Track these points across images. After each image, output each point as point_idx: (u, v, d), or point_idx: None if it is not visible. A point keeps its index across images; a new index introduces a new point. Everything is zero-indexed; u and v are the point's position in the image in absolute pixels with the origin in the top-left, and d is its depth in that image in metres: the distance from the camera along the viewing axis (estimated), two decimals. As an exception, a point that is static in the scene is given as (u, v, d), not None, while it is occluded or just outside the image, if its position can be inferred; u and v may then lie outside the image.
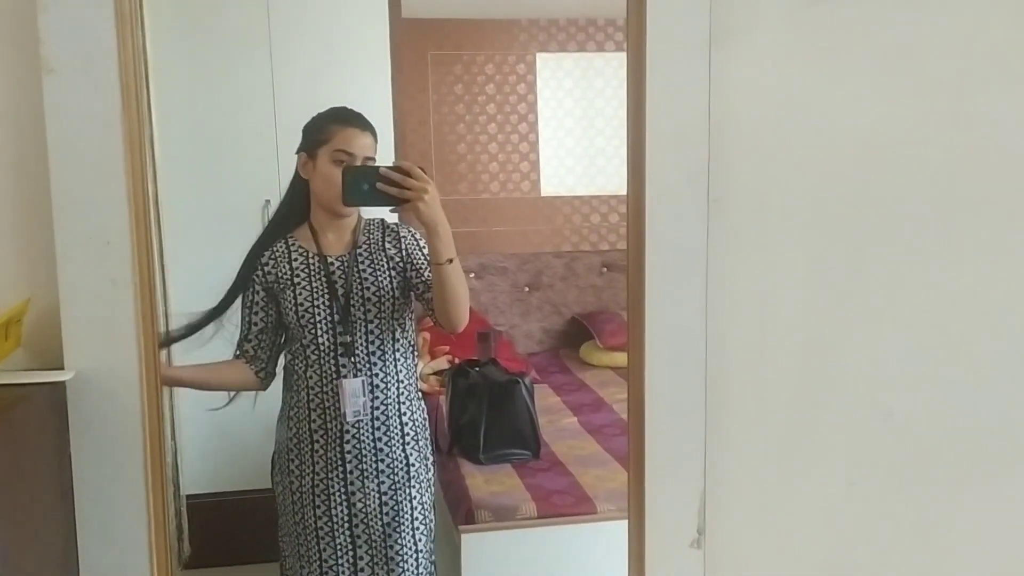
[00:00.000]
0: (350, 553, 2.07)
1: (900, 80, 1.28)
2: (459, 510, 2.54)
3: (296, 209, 2.12)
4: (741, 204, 1.30)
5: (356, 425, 2.04)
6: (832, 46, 1.28)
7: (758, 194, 1.30)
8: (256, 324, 2.10)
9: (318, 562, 2.09)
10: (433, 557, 2.17)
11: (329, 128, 2.01)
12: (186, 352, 2.17)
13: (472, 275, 4.24)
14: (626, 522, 2.45)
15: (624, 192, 1.33)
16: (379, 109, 3.52)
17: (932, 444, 1.34)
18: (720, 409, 1.31)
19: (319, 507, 2.07)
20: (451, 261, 1.90)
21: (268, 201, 3.46)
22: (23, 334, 1.19)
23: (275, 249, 2.08)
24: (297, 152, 2.07)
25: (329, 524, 2.07)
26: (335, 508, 2.06)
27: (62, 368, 1.16)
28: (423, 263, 2.04)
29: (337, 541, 2.07)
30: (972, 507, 1.34)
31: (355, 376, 2.03)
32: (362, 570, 2.08)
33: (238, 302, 2.12)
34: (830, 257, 1.32)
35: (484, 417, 2.83)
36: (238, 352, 2.12)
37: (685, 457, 1.31)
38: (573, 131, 4.31)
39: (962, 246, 1.32)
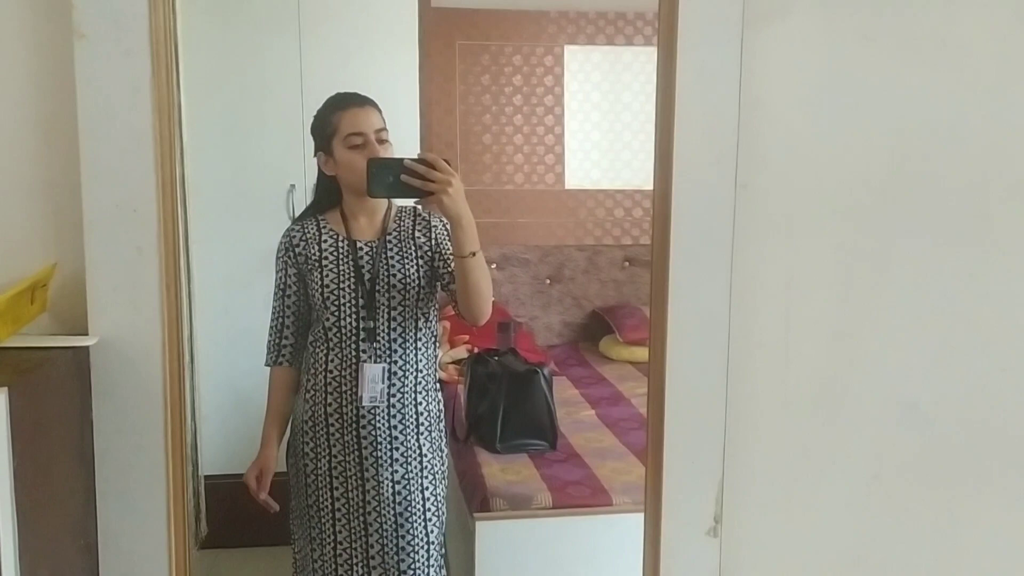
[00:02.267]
0: (363, 539, 2.07)
1: (935, 68, 1.27)
2: (474, 498, 2.53)
3: (328, 194, 2.12)
4: (769, 190, 1.28)
5: (372, 411, 2.04)
6: (867, 32, 1.26)
7: (787, 181, 1.29)
8: (289, 308, 2.11)
9: (332, 544, 2.09)
10: (444, 549, 2.16)
11: (332, 118, 2.02)
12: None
13: (494, 266, 4.24)
14: (642, 515, 2.44)
15: (649, 187, 1.32)
16: (406, 97, 3.52)
17: (956, 437, 1.32)
18: (741, 397, 1.30)
19: (336, 489, 2.07)
20: (474, 254, 1.90)
21: (293, 186, 3.48)
22: (48, 299, 1.20)
23: (307, 230, 2.09)
24: (315, 155, 2.08)
25: (346, 507, 2.07)
26: (351, 492, 2.06)
27: (86, 334, 1.17)
28: (450, 254, 2.03)
29: (352, 525, 2.07)
30: (995, 502, 1.33)
31: (376, 362, 2.03)
32: (373, 557, 2.08)
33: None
34: (858, 247, 1.31)
35: (502, 406, 2.83)
36: (278, 358, 2.16)
37: (704, 444, 1.30)
38: (599, 125, 4.29)
39: (993, 239, 1.30)
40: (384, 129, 2.02)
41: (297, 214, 3.39)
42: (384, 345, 2.03)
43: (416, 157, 1.83)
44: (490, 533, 2.46)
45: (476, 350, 3.34)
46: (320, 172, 2.11)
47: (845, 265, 1.31)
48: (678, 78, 1.24)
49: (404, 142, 3.43)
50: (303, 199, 3.42)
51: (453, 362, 3.59)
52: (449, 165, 1.83)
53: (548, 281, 4.33)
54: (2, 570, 0.93)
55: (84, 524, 1.17)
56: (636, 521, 2.45)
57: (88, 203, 1.17)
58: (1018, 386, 1.31)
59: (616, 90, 4.30)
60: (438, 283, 2.08)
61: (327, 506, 2.08)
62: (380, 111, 2.05)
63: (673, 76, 1.24)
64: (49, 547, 1.06)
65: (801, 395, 1.32)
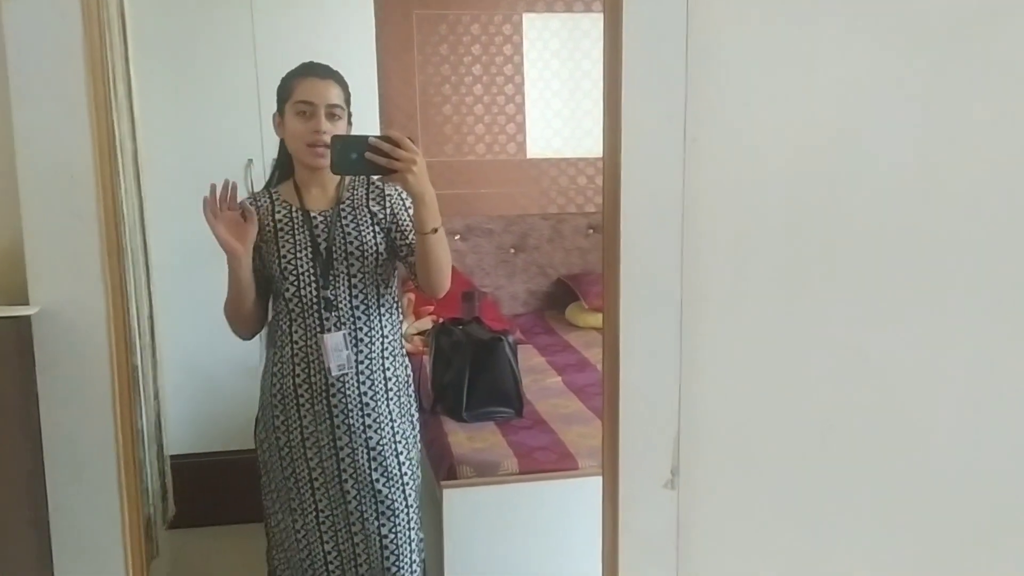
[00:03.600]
0: (342, 507, 2.08)
1: (888, 17, 1.26)
2: (441, 466, 2.54)
3: (282, 166, 2.15)
4: (719, 143, 1.28)
5: (341, 379, 2.04)
6: (812, -20, 1.25)
7: (736, 134, 1.29)
8: None
9: (314, 512, 2.10)
10: (420, 512, 2.18)
11: (292, 83, 2.04)
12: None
13: (457, 237, 4.22)
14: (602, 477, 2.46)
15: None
16: (363, 69, 3.48)
17: (906, 387, 1.33)
18: (695, 349, 1.31)
19: (311, 459, 2.07)
20: (436, 231, 1.91)
21: (251, 160, 3.43)
22: (-13, 270, 1.17)
23: (259, 203, 2.09)
24: (273, 114, 2.09)
25: (323, 475, 2.08)
26: (326, 461, 2.07)
27: (26, 303, 1.15)
28: (408, 226, 2.05)
29: (331, 492, 2.08)
30: (946, 446, 1.34)
31: (337, 329, 2.03)
32: (354, 524, 2.09)
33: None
34: (808, 199, 1.31)
35: (467, 375, 2.83)
36: None
37: (659, 399, 1.31)
38: (560, 93, 4.27)
39: (940, 195, 1.30)
40: (339, 106, 2.02)
41: (256, 189, 3.36)
42: (347, 312, 2.03)
43: (381, 135, 1.84)
44: (458, 501, 2.47)
45: (441, 320, 3.33)
46: (281, 142, 2.11)
47: (795, 219, 1.31)
48: (624, 30, 1.23)
49: (363, 115, 3.38)
50: (263, 173, 3.38)
51: (418, 333, 3.58)
52: (413, 143, 1.83)
53: (512, 250, 4.33)
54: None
55: (32, 498, 1.15)
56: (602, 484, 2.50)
57: (23, 169, 1.14)
58: (964, 339, 1.33)
59: (576, 58, 4.27)
60: (396, 254, 2.08)
61: (304, 476, 2.08)
62: (343, 86, 2.06)
63: (619, 28, 1.23)
64: (-6, 520, 1.04)
65: (754, 349, 1.33)
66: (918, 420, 1.34)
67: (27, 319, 1.13)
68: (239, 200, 1.98)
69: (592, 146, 4.31)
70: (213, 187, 1.94)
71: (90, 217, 1.14)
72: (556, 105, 4.28)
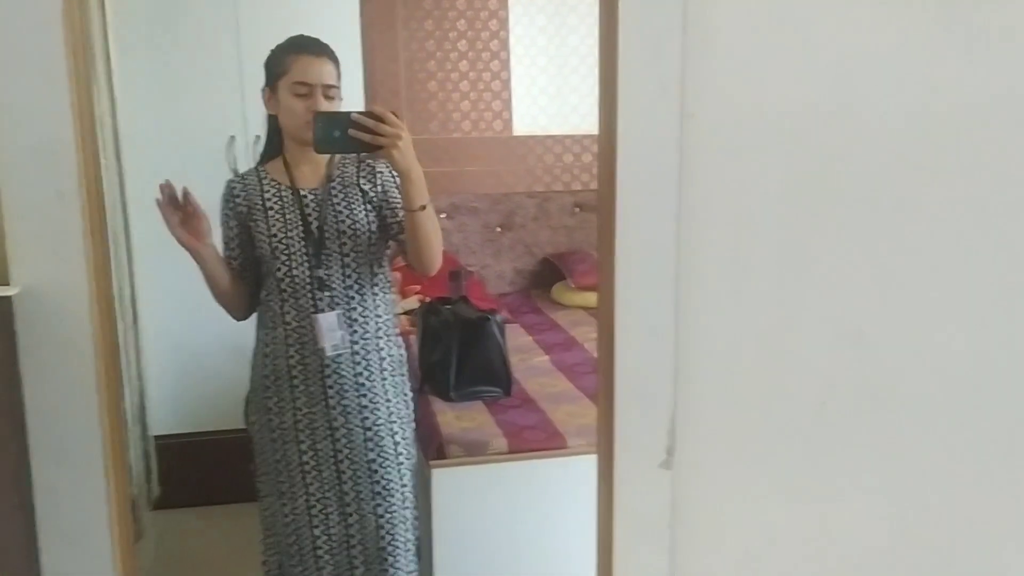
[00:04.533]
0: (337, 488, 2.06)
1: (879, -11, 1.25)
2: (430, 446, 2.53)
3: (271, 143, 2.10)
4: (716, 119, 1.26)
5: (336, 359, 2.01)
6: (810, -48, 1.23)
7: (734, 109, 1.27)
8: (235, 260, 2.08)
9: (304, 496, 2.07)
10: (416, 492, 2.17)
11: (285, 59, 1.98)
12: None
13: (443, 215, 4.19)
14: (596, 457, 2.46)
15: (597, 132, 1.29)
16: (347, 45, 3.42)
17: (901, 364, 1.33)
18: (691, 327, 1.29)
19: (303, 442, 2.05)
20: (424, 207, 1.88)
21: (233, 137, 3.39)
22: (-35, 249, 1.14)
23: (247, 182, 2.06)
24: (262, 88, 2.03)
25: (315, 459, 2.05)
26: (320, 443, 2.05)
27: (7, 284, 1.11)
28: (398, 203, 2.01)
29: (324, 475, 2.06)
30: (938, 427, 1.34)
31: (330, 309, 2.00)
32: (348, 505, 2.07)
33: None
34: (806, 175, 1.29)
35: (455, 354, 2.81)
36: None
37: (655, 377, 1.29)
38: (546, 69, 4.24)
39: (938, 168, 1.29)
40: (335, 86, 1.99)
41: (239, 167, 3.31)
42: (341, 293, 2.01)
43: (364, 111, 1.79)
44: (446, 480, 2.46)
45: (427, 300, 3.31)
46: (269, 118, 2.07)
47: (793, 195, 1.30)
48: (620, 3, 1.20)
49: (347, 92, 3.33)
50: (245, 152, 3.34)
51: (405, 313, 3.56)
52: (397, 118, 1.79)
53: (499, 229, 4.30)
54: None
55: (17, 482, 1.13)
56: (591, 463, 2.46)
57: (2, 147, 1.10)
58: (961, 313, 1.32)
59: (562, 34, 4.24)
60: (387, 232, 2.05)
61: (295, 459, 2.06)
62: (336, 64, 2.02)
63: (616, 2, 1.20)
64: (-22, 505, 1.02)
65: (750, 325, 1.31)
66: (914, 398, 1.33)
67: (8, 300, 1.10)
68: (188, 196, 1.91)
69: (579, 123, 4.29)
70: (162, 188, 1.87)
71: (72, 195, 1.11)
72: (542, 82, 4.24)
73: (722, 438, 1.33)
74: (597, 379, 1.34)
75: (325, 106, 1.94)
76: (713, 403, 1.32)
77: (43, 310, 1.12)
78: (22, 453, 1.13)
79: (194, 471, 3.37)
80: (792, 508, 1.35)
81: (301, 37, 2.02)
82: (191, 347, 3.42)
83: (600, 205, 1.29)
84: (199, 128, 3.36)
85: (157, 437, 3.36)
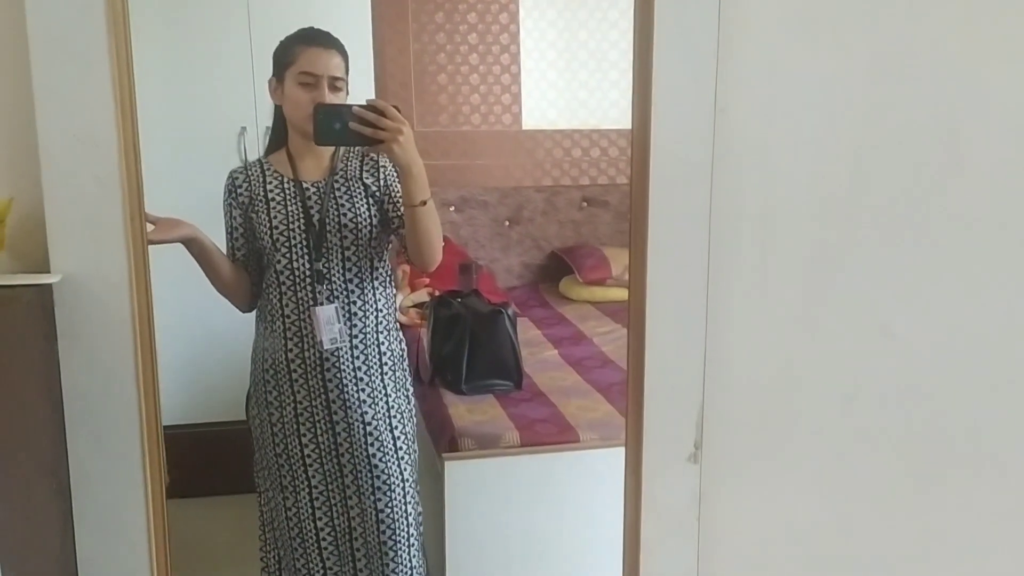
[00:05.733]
0: (339, 481, 2.06)
1: (913, -12, 1.25)
2: (442, 438, 2.53)
3: (276, 134, 2.09)
4: (748, 114, 1.27)
5: (335, 353, 2.01)
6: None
7: (766, 104, 1.28)
8: (239, 251, 2.07)
9: (307, 490, 2.07)
10: (418, 487, 2.17)
11: (293, 50, 1.98)
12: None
13: (452, 208, 4.19)
14: (608, 451, 2.46)
15: (606, 127, 1.30)
16: (358, 37, 3.42)
17: (929, 361, 1.34)
18: (720, 323, 1.30)
19: (304, 435, 2.05)
20: (424, 203, 1.87)
21: (244, 128, 3.38)
22: (6, 236, 1.14)
23: (250, 172, 2.05)
24: (269, 79, 2.03)
25: (317, 452, 2.05)
26: (321, 436, 2.05)
27: (48, 271, 1.12)
28: (400, 197, 2.00)
29: (326, 468, 2.06)
30: (966, 425, 1.35)
31: (329, 302, 2.00)
32: (350, 498, 2.07)
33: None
34: (836, 171, 1.30)
35: (467, 347, 2.81)
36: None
37: (684, 372, 1.30)
38: (556, 63, 4.24)
39: (967, 169, 1.30)
40: (341, 78, 1.97)
41: (249, 157, 3.31)
42: (340, 286, 2.00)
43: (365, 104, 1.77)
44: (459, 473, 2.46)
45: (438, 293, 3.31)
46: (276, 109, 2.06)
47: (824, 190, 1.31)
48: (656, 1, 1.21)
49: (357, 84, 3.33)
50: (256, 141, 3.34)
51: (414, 305, 3.56)
52: (399, 112, 1.78)
53: (507, 223, 4.31)
54: (-25, 513, 0.89)
55: (55, 467, 1.14)
56: (603, 456, 2.51)
57: (43, 134, 1.11)
58: (987, 311, 1.33)
59: (572, 28, 4.23)
60: (389, 227, 2.05)
61: (296, 453, 2.06)
62: (344, 57, 2.00)
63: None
64: (22, 490, 1.02)
65: (779, 320, 1.32)
66: (940, 394, 1.34)
67: (49, 287, 1.11)
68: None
69: (587, 117, 4.29)
70: None
71: (112, 182, 1.11)
72: (551, 76, 4.24)
73: (749, 433, 1.34)
74: (627, 375, 1.35)
75: (330, 98, 1.93)
76: (740, 398, 1.33)
77: (83, 298, 1.12)
78: (60, 439, 1.14)
79: (202, 461, 3.37)
80: (818, 502, 1.36)
81: (311, 29, 2.01)
82: (201, 337, 3.42)
83: (632, 200, 1.30)
84: (210, 118, 3.35)
85: (166, 427, 3.36)
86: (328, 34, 2.01)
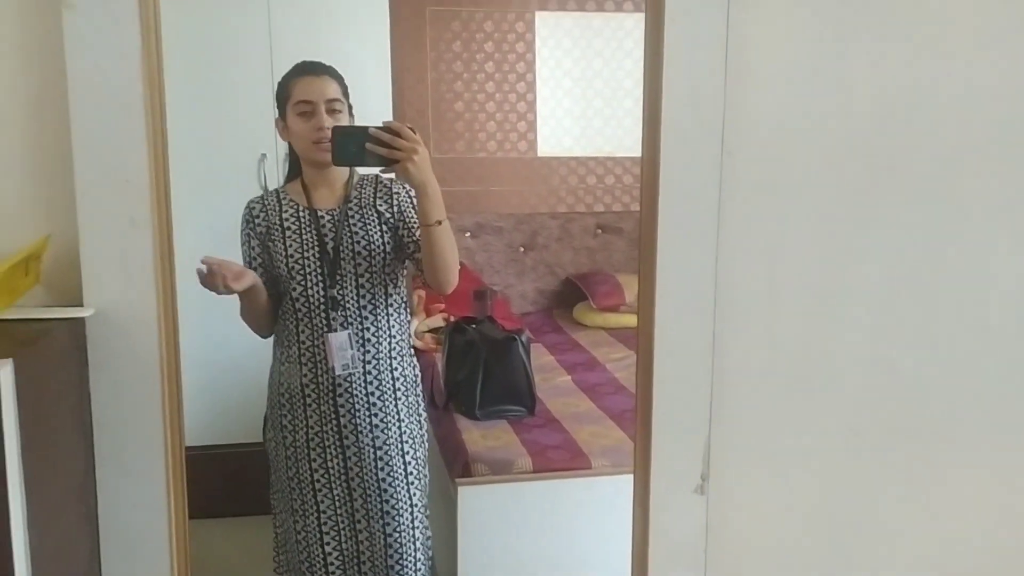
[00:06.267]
0: (347, 505, 2.10)
1: (916, 38, 1.29)
2: (456, 464, 2.56)
3: (292, 166, 2.15)
4: (755, 157, 1.31)
5: (348, 379, 2.05)
6: (850, 1, 1.28)
7: (772, 148, 1.32)
8: (257, 271, 2.12)
9: (315, 514, 2.10)
10: (428, 512, 2.20)
11: (288, 84, 2.03)
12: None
13: (468, 234, 4.24)
14: (620, 478, 2.47)
15: (620, 154, 1.34)
16: (377, 65, 3.50)
17: (933, 397, 1.37)
18: (727, 358, 1.34)
19: (315, 460, 2.08)
20: (440, 223, 1.89)
21: (264, 155, 3.45)
22: (42, 271, 1.20)
23: (267, 202, 2.10)
24: (275, 120, 2.09)
25: (326, 476, 2.08)
26: (331, 461, 2.08)
27: (81, 305, 1.17)
28: (415, 222, 2.03)
29: (335, 493, 2.09)
30: (966, 457, 1.38)
31: (342, 328, 2.04)
32: (359, 522, 2.10)
33: None
34: (840, 212, 1.34)
35: (481, 373, 2.85)
36: None
37: (691, 405, 1.34)
38: (571, 91, 4.29)
39: (969, 204, 1.34)
40: (338, 100, 2.01)
41: (268, 184, 3.38)
42: (354, 312, 2.04)
43: (381, 125, 1.81)
44: (472, 498, 2.49)
45: (453, 319, 3.35)
46: (289, 145, 2.12)
47: (827, 230, 1.34)
48: (665, 45, 1.25)
49: (376, 111, 3.40)
50: (276, 169, 3.40)
51: (430, 331, 3.60)
52: (414, 133, 1.82)
53: (522, 249, 4.35)
54: (12, 540, 0.94)
55: (85, 493, 1.18)
56: (615, 483, 2.53)
57: (80, 174, 1.16)
58: (990, 346, 1.36)
59: (587, 56, 4.29)
60: (403, 251, 2.08)
61: (307, 477, 2.09)
62: (339, 80, 2.05)
63: (660, 43, 1.25)
64: (54, 516, 1.07)
65: (784, 355, 1.36)
66: (945, 426, 1.37)
67: (82, 321, 1.16)
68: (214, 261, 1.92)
69: (602, 145, 4.34)
70: (209, 265, 1.88)
71: (144, 222, 1.17)
72: (567, 104, 4.30)
73: (756, 464, 1.37)
74: (635, 407, 1.38)
75: (329, 121, 1.97)
76: (747, 430, 1.36)
77: (114, 331, 1.17)
78: (89, 467, 1.19)
79: (221, 482, 3.41)
80: (825, 534, 1.39)
81: (302, 62, 2.06)
82: (222, 360, 3.47)
83: (641, 232, 1.34)
84: (231, 146, 3.42)
85: (186, 448, 3.41)
86: (318, 62, 2.05)
